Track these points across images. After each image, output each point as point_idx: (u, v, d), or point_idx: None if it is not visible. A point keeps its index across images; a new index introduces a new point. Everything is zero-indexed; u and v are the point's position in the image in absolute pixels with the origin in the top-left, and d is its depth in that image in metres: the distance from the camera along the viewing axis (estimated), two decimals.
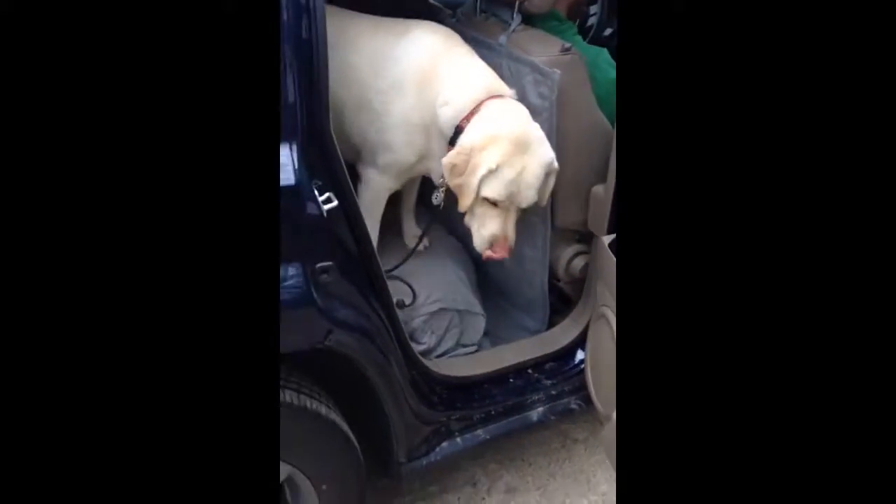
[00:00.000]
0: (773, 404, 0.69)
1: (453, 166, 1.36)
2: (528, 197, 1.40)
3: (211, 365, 0.70)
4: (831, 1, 0.68)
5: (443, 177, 1.43)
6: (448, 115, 1.41)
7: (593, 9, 2.42)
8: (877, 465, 0.65)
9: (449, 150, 1.41)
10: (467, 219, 1.45)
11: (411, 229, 1.84)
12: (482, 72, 1.46)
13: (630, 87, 0.80)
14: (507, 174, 1.35)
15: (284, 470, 1.28)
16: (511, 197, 1.38)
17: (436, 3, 2.02)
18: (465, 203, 1.39)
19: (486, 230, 1.42)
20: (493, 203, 1.39)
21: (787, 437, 0.68)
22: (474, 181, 1.35)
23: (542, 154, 1.39)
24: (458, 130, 1.40)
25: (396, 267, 1.67)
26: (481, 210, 1.40)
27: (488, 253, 1.45)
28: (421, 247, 1.80)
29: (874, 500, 0.65)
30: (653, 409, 0.73)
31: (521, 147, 1.36)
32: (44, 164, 0.66)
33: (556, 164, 1.43)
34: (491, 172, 1.34)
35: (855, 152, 0.67)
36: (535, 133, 1.40)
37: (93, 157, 0.67)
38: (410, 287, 1.60)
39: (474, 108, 1.39)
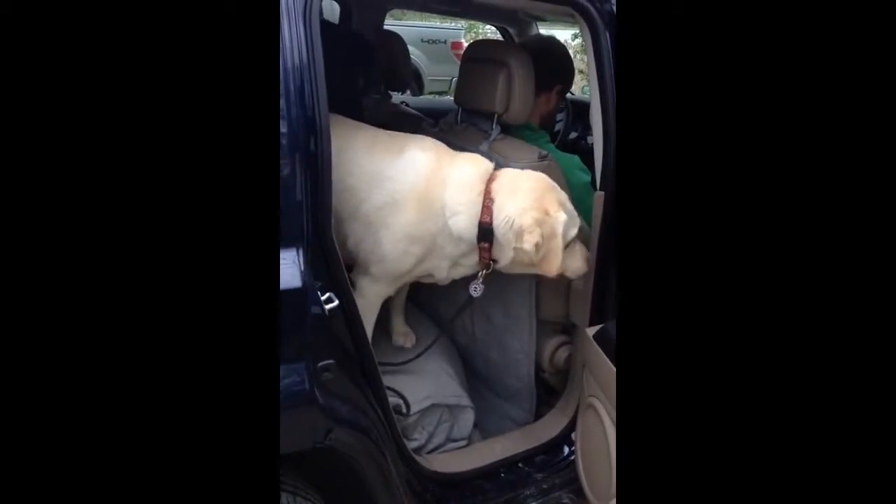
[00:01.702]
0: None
1: (536, 245, 1.44)
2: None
3: (213, 466, 0.71)
4: (831, 4, 0.68)
5: (480, 273, 1.55)
6: (464, 222, 1.48)
7: (559, 115, 2.67)
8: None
9: (481, 247, 1.50)
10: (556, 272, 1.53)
11: (400, 327, 1.87)
12: (470, 166, 1.52)
13: (630, 90, 0.81)
14: (568, 208, 1.51)
15: None
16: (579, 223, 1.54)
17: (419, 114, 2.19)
18: (556, 264, 1.48)
19: (578, 264, 1.56)
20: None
21: None
22: (558, 239, 1.46)
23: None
24: (484, 226, 1.48)
25: (404, 362, 1.68)
26: (567, 255, 1.51)
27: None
28: (408, 343, 1.83)
29: None
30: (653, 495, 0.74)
31: (550, 186, 1.51)
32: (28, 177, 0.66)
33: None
34: (564, 221, 1.47)
35: (858, 183, 0.64)
36: (538, 172, 1.54)
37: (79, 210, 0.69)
38: (403, 398, 1.61)
39: (485, 202, 1.47)
